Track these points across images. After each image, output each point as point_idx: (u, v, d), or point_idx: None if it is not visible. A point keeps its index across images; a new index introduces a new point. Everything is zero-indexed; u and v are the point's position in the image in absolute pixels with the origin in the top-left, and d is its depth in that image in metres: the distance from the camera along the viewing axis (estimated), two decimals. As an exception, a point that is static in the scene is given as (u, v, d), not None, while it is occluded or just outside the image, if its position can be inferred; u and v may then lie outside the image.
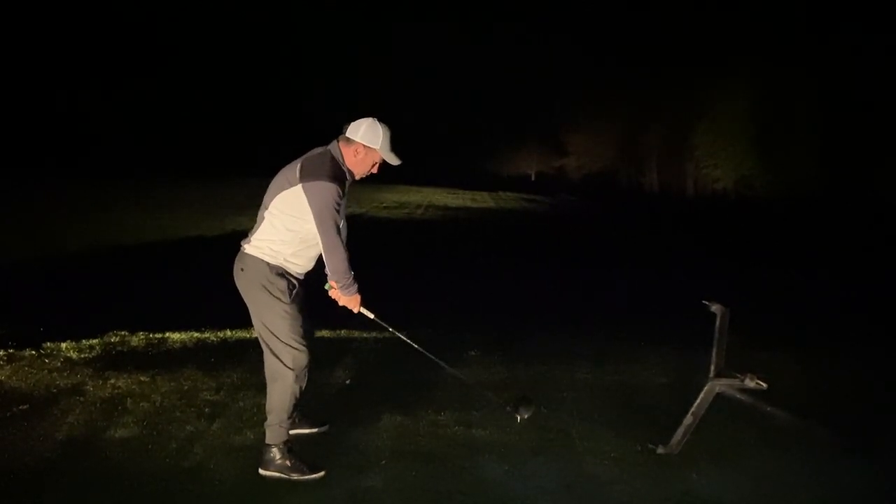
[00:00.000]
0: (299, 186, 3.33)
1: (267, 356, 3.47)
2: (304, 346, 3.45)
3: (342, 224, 3.46)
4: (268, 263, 3.41)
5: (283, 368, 3.43)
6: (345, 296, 3.51)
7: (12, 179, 29.44)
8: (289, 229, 3.39)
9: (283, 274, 3.42)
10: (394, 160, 3.51)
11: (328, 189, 3.31)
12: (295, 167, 3.40)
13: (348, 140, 3.46)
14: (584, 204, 45.40)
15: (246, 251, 3.45)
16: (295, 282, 3.48)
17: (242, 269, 3.44)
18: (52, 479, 3.33)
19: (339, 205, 3.36)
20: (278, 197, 3.39)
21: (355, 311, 3.59)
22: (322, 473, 3.44)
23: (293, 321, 3.43)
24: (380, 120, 3.50)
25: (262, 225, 3.44)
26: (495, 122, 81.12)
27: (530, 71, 75.81)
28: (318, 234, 3.37)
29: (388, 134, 3.47)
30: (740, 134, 52.06)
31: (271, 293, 3.40)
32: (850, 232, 26.52)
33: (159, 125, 55.49)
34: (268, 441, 3.46)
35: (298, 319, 3.45)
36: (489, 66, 78.49)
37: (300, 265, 3.50)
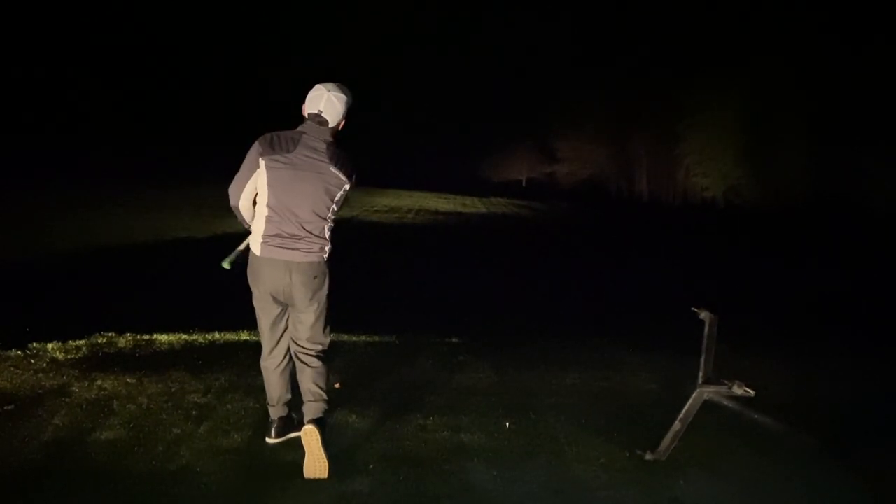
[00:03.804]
0: (347, 185, 3.58)
1: (311, 347, 3.73)
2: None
3: None
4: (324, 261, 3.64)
5: (326, 351, 3.75)
6: None
7: (1, 178, 29.23)
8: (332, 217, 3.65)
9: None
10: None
11: None
12: (330, 171, 3.52)
13: (336, 126, 3.63)
14: (575, 210, 45.50)
15: (325, 259, 3.61)
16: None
17: (316, 277, 3.58)
18: (37, 481, 3.30)
19: None
20: (334, 205, 3.57)
21: None
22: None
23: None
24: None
25: (327, 227, 3.59)
26: (486, 128, 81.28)
27: (522, 75, 76.02)
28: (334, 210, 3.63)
29: (315, 95, 3.62)
30: (729, 142, 52.37)
31: (330, 289, 3.70)
32: (838, 240, 26.70)
33: (151, 126, 55.27)
34: (318, 415, 3.61)
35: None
36: (482, 70, 78.63)
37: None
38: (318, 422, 3.54)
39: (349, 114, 3.66)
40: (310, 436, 3.44)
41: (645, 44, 58.95)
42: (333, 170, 3.51)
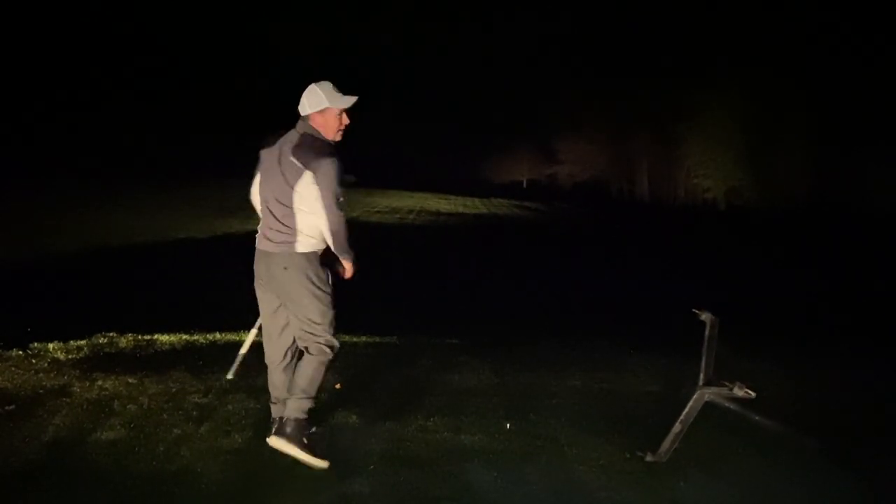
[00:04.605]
0: (308, 174, 3.46)
1: (307, 338, 3.61)
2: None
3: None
4: (315, 253, 3.58)
5: (324, 348, 3.59)
6: (350, 266, 3.69)
7: (1, 178, 29.25)
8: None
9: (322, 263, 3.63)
10: (349, 101, 3.62)
11: (333, 165, 3.50)
12: (287, 159, 3.51)
13: (307, 117, 3.62)
14: (576, 212, 45.47)
15: (298, 250, 3.54)
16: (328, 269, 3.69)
17: (286, 268, 3.54)
18: (38, 481, 3.30)
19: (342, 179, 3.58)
20: (296, 194, 3.50)
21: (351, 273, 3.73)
22: (326, 464, 3.53)
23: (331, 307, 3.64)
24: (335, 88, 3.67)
25: (299, 218, 3.52)
26: (488, 129, 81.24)
27: (523, 77, 75.99)
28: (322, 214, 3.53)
29: (328, 86, 3.61)
30: (730, 144, 52.38)
31: (316, 285, 3.56)
32: (838, 241, 26.70)
33: (151, 126, 55.29)
34: (290, 414, 3.56)
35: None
36: (481, 72, 78.62)
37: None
38: (282, 427, 3.55)
39: (348, 110, 3.65)
40: (276, 445, 3.54)
41: (646, 45, 58.96)
42: (292, 159, 3.50)
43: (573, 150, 72.73)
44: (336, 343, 3.64)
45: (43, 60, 51.23)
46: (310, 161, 3.47)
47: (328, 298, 3.62)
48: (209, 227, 18.82)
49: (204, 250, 14.88)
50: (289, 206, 3.52)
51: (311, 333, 3.60)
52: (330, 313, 3.62)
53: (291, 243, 3.54)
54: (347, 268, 3.69)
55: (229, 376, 3.90)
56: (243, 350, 3.88)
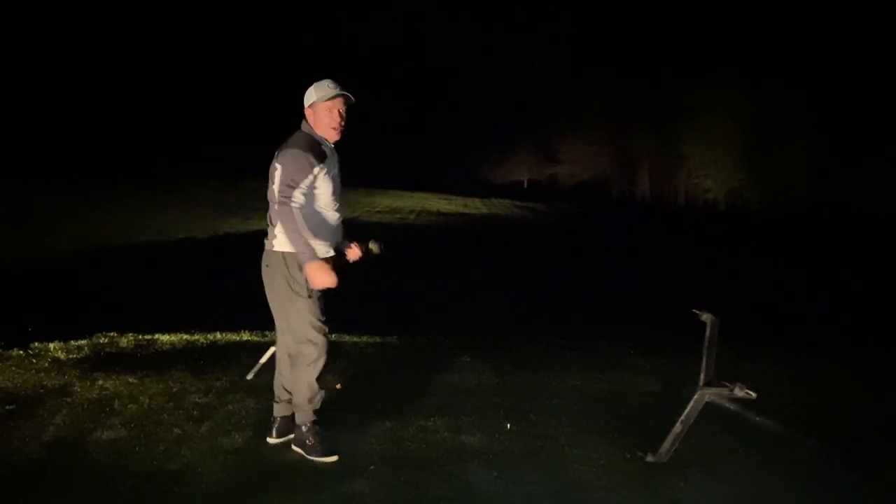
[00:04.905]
0: (278, 166, 3.49)
1: (296, 336, 3.60)
2: (325, 332, 3.63)
3: (332, 190, 3.58)
4: (294, 254, 3.49)
5: (306, 348, 3.58)
6: (313, 272, 3.43)
7: (2, 179, 29.25)
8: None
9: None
10: (332, 93, 3.57)
11: (295, 155, 3.45)
12: (275, 155, 3.58)
13: (304, 113, 3.65)
14: (577, 212, 45.47)
15: (275, 249, 3.54)
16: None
17: (267, 266, 3.58)
18: (38, 480, 3.31)
19: (313, 174, 3.46)
20: (275, 191, 3.50)
21: (328, 283, 3.47)
22: (335, 458, 3.63)
23: (316, 309, 3.57)
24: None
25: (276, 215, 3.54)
26: (488, 129, 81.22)
27: (523, 77, 75.99)
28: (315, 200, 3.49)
29: (323, 83, 3.62)
30: (731, 144, 52.39)
31: (292, 288, 3.52)
32: (839, 241, 26.70)
33: (150, 128, 55.34)
34: (298, 421, 3.68)
35: (319, 306, 3.60)
36: (482, 72, 78.65)
37: (323, 242, 3.58)
38: (294, 432, 3.72)
39: (346, 111, 3.67)
40: (296, 450, 3.69)
41: (647, 45, 58.97)
42: (277, 152, 3.57)
43: (573, 150, 72.68)
44: (314, 348, 3.56)
45: (43, 60, 51.29)
46: (280, 153, 3.52)
47: (307, 302, 3.53)
48: (209, 227, 18.81)
49: (204, 250, 14.89)
50: (272, 202, 3.56)
51: (299, 334, 3.60)
52: (308, 316, 3.54)
53: (271, 241, 3.57)
54: (307, 273, 3.43)
55: (249, 377, 3.95)
56: (263, 359, 3.92)
